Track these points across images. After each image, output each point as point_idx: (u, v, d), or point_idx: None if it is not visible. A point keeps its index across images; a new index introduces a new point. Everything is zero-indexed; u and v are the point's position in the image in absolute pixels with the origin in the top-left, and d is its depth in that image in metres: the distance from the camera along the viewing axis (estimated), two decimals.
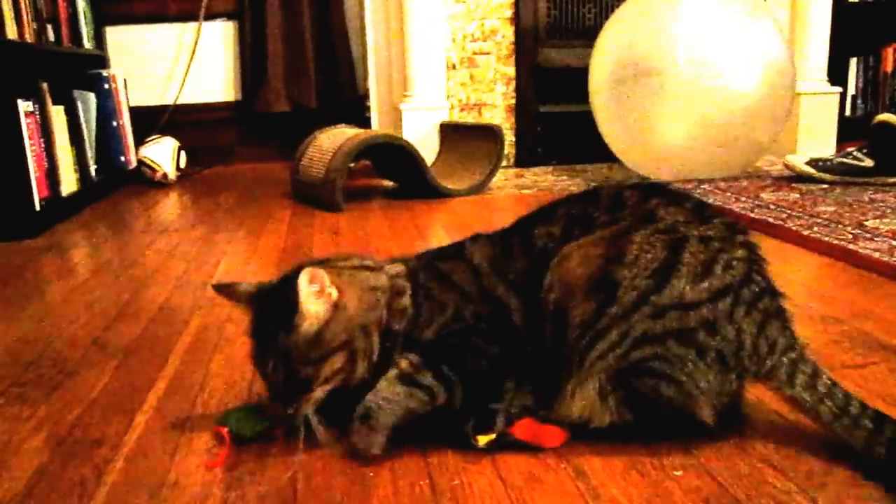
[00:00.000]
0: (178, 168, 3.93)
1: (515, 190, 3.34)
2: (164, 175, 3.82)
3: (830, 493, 0.99)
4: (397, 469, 1.11)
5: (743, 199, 2.90)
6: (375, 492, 1.06)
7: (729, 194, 3.00)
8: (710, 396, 1.06)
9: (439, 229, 2.65)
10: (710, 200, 2.88)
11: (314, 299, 1.10)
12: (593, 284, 1.06)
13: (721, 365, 1.05)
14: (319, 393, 1.13)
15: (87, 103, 3.55)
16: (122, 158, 3.81)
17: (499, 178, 3.56)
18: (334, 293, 1.11)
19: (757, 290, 1.07)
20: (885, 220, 2.43)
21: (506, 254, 1.16)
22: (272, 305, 1.13)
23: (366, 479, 1.09)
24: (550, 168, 3.95)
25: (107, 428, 1.27)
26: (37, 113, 2.87)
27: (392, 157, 3.15)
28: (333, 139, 3.08)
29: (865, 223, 2.40)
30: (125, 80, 4.06)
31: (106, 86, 3.75)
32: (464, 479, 1.07)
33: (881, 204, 2.69)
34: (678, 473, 1.05)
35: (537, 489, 1.03)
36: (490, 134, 3.31)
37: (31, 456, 1.18)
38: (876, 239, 2.20)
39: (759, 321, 1.07)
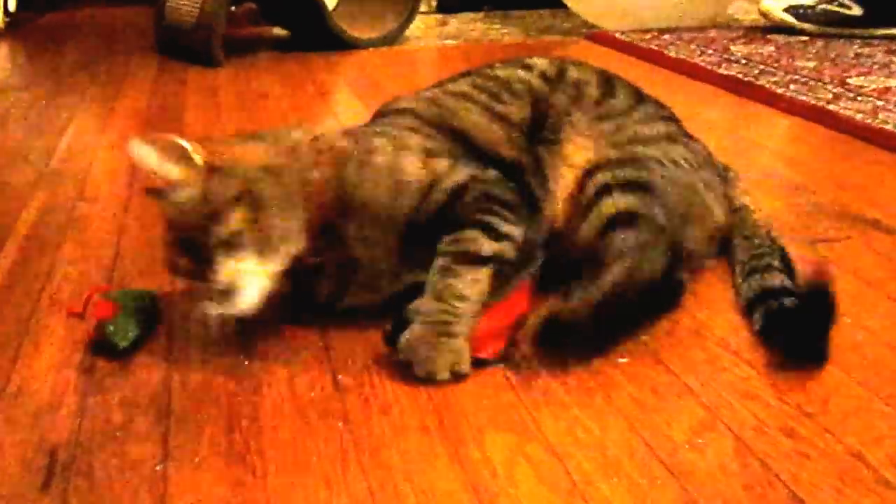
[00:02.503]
0: (5, 13, 3.77)
1: (437, 41, 3.31)
2: None
3: (791, 379, 1.07)
4: (294, 364, 1.14)
5: (710, 52, 2.93)
6: (269, 392, 1.08)
7: (693, 47, 3.03)
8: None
9: (344, 89, 2.61)
10: (672, 54, 2.90)
11: (172, 165, 1.13)
12: None
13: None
14: (230, 266, 1.09)
15: None
16: None
17: (417, 25, 3.51)
18: (198, 158, 1.13)
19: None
20: (870, 78, 2.50)
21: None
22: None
23: (255, 377, 1.11)
24: (481, 14, 3.91)
25: None
26: None
27: None
28: None
29: (849, 81, 2.47)
30: None
31: None
32: (374, 376, 1.10)
33: (868, 59, 2.76)
34: (623, 361, 1.11)
35: (459, 383, 1.07)
36: None
37: None
38: (859, 99, 2.27)
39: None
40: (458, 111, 1.32)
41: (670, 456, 0.93)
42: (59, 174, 1.90)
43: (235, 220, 1.10)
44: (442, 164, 1.21)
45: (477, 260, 1.14)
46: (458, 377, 1.08)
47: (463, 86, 1.38)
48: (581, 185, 1.25)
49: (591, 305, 1.11)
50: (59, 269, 1.43)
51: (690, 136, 1.41)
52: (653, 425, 0.98)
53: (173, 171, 1.13)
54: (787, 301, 1.16)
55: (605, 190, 1.23)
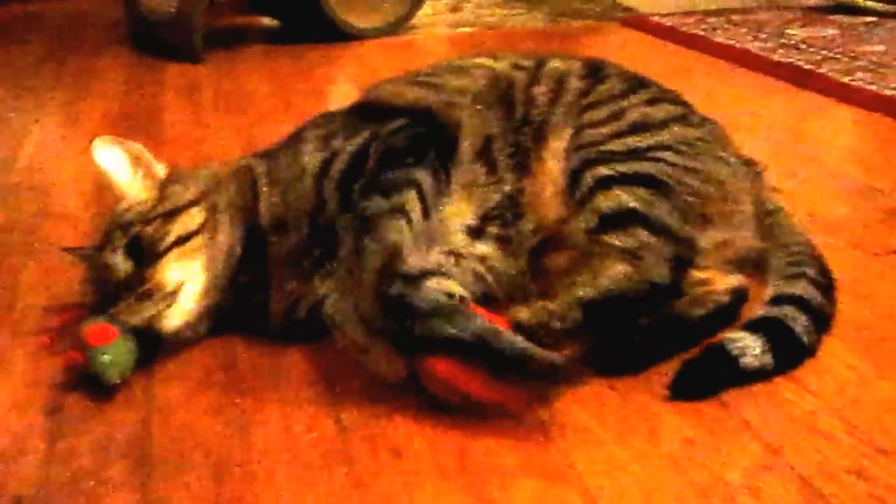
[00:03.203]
0: None
1: (449, 29, 3.32)
2: None
3: (863, 411, 1.07)
4: (290, 400, 1.14)
5: (763, 36, 2.93)
6: (261, 433, 1.08)
7: (744, 31, 3.02)
8: None
9: (343, 86, 2.63)
10: (720, 39, 2.90)
11: (136, 172, 1.33)
12: None
13: None
14: (177, 268, 1.22)
15: None
16: None
17: (425, 11, 3.50)
18: (160, 169, 1.35)
19: None
20: None
21: None
22: None
23: (246, 416, 1.11)
24: None
25: None
26: None
27: None
28: None
29: None
30: None
31: None
32: (382, 413, 1.10)
33: None
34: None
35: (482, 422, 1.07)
36: None
37: None
38: None
39: None
40: (381, 86, 1.45)
41: (726, 502, 0.93)
42: (18, 188, 1.91)
43: (194, 219, 1.25)
44: (339, 140, 1.30)
45: (376, 219, 1.16)
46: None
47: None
48: (575, 178, 1.27)
49: (579, 307, 1.15)
50: (20, 297, 1.44)
51: (705, 118, 1.41)
52: (705, 467, 0.98)
53: (136, 179, 1.32)
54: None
55: (603, 184, 1.24)
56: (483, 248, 1.28)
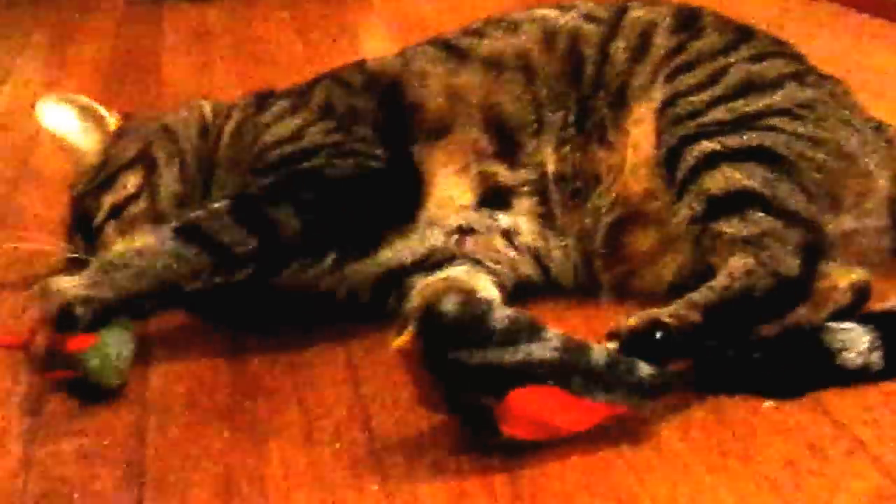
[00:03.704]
0: None
1: None
2: None
3: None
4: (311, 403, 1.12)
5: None
6: (277, 442, 1.06)
7: None
8: None
9: (378, 31, 2.62)
10: None
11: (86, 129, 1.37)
12: None
13: None
14: (114, 240, 1.27)
15: None
16: None
17: None
18: (112, 122, 1.38)
19: None
20: None
21: None
22: None
23: (259, 422, 1.09)
24: None
25: None
26: None
27: None
28: None
29: None
30: None
31: None
32: (421, 419, 1.09)
33: None
34: (769, 405, 1.08)
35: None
36: None
37: None
38: None
39: None
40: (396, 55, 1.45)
41: None
42: None
43: (128, 184, 1.29)
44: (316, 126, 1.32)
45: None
46: None
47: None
48: (674, 158, 1.24)
49: (699, 312, 1.10)
50: None
51: (824, 75, 1.36)
52: (811, 495, 0.94)
53: (87, 136, 1.36)
54: None
55: (709, 162, 1.20)
56: (507, 220, 1.29)
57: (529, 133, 1.30)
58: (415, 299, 1.24)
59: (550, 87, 1.32)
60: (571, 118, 1.31)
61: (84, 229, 1.29)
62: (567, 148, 1.30)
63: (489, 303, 1.05)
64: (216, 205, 1.21)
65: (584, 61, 1.34)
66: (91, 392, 1.14)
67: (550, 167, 1.30)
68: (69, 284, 1.13)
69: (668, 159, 1.24)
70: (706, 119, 1.24)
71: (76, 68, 2.37)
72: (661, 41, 1.34)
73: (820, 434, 1.03)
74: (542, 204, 1.30)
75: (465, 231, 1.28)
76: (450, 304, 1.00)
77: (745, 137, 1.21)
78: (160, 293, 1.16)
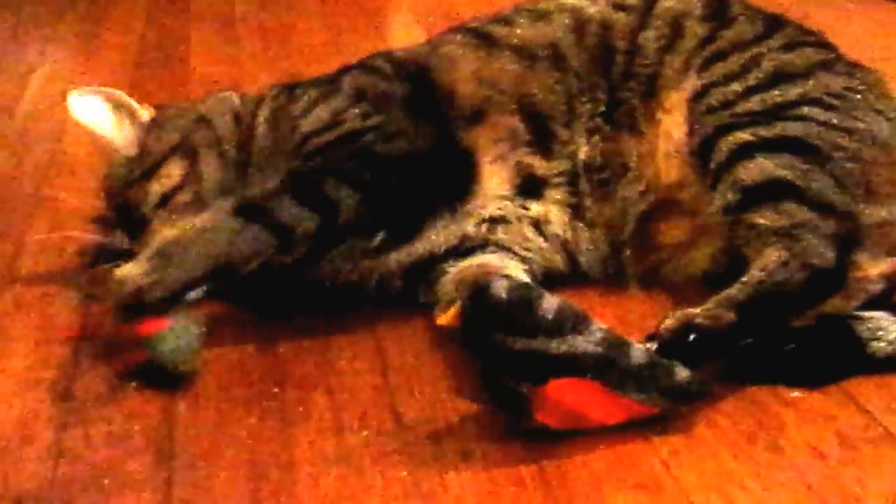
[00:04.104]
0: None
1: None
2: None
3: None
4: (340, 390, 1.13)
5: None
6: (306, 428, 1.06)
7: None
8: None
9: (406, 16, 2.61)
10: None
11: (119, 123, 1.35)
12: None
13: None
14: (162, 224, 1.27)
15: None
16: None
17: None
18: (144, 115, 1.36)
19: None
20: None
21: None
22: None
23: (288, 408, 1.09)
24: None
25: None
26: None
27: None
28: None
29: None
30: None
31: None
32: (449, 408, 1.09)
33: None
34: (797, 395, 1.08)
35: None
36: None
37: None
38: None
39: None
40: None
41: None
42: (24, 134, 1.91)
43: (172, 173, 1.29)
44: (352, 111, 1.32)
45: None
46: None
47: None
48: (707, 149, 1.23)
49: (734, 310, 1.09)
50: (24, 261, 1.44)
51: (856, 64, 1.35)
52: (839, 486, 0.94)
53: (120, 129, 1.35)
54: None
55: (743, 152, 1.20)
56: (538, 209, 1.30)
57: (562, 122, 1.31)
58: (449, 283, 1.25)
59: (581, 77, 1.33)
60: (602, 108, 1.31)
61: (126, 220, 1.30)
62: (597, 137, 1.30)
63: (539, 291, 1.04)
64: (271, 185, 1.21)
65: (614, 51, 1.34)
66: (162, 377, 1.14)
67: (581, 157, 1.30)
68: (135, 271, 1.12)
69: (702, 149, 1.23)
70: (739, 109, 1.24)
71: (105, 56, 2.37)
72: (693, 30, 1.34)
73: (848, 423, 1.03)
74: (573, 194, 1.30)
75: (496, 220, 1.29)
76: (501, 288, 1.00)
77: (778, 128, 1.20)
78: (222, 273, 1.15)
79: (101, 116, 1.35)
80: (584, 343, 0.98)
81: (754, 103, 1.24)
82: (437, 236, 1.27)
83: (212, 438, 1.05)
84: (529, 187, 1.29)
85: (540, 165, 1.29)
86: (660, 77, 1.30)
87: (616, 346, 0.99)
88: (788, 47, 1.31)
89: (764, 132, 1.20)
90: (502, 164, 1.29)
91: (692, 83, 1.29)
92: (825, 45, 1.36)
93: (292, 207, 1.17)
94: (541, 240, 1.30)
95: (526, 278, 1.25)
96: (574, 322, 0.99)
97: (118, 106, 1.36)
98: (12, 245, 1.49)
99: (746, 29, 1.34)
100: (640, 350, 1.01)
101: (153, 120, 1.36)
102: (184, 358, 1.13)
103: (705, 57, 1.31)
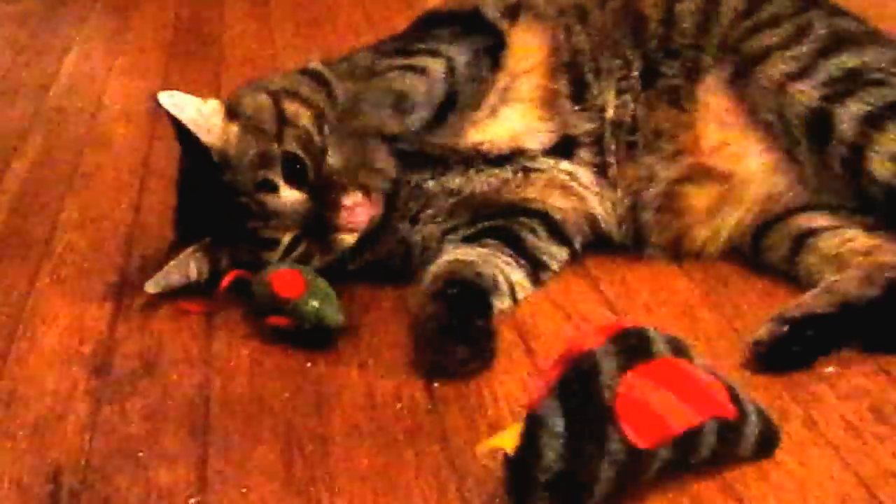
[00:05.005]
0: None
1: None
2: None
3: None
4: (372, 365, 1.13)
5: None
6: (339, 403, 1.06)
7: None
8: None
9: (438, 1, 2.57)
10: None
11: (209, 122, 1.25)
12: None
13: None
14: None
15: None
16: None
17: None
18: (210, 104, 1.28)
19: None
20: None
21: None
22: None
23: (321, 383, 1.10)
24: None
25: None
26: None
27: None
28: None
29: None
30: None
31: None
32: (482, 383, 1.08)
33: None
34: (831, 370, 1.07)
35: None
36: None
37: None
38: None
39: None
40: None
41: None
42: (59, 112, 1.91)
43: (299, 116, 1.24)
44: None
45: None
46: None
47: None
48: (815, 125, 1.21)
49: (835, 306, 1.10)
50: (60, 236, 1.44)
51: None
52: (876, 461, 0.93)
53: (209, 126, 1.24)
54: None
55: (874, 123, 1.17)
56: (569, 167, 1.30)
57: (591, 71, 1.31)
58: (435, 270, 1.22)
59: (603, 33, 1.33)
60: (634, 71, 1.31)
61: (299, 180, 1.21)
62: (628, 97, 1.30)
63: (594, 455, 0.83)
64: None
65: (645, 19, 1.34)
66: (313, 337, 1.15)
67: (609, 113, 1.30)
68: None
69: (808, 128, 1.21)
70: (823, 77, 1.22)
71: (139, 36, 2.38)
72: (731, 3, 1.34)
73: (884, 398, 1.02)
74: (598, 154, 1.30)
75: (531, 170, 1.29)
76: (552, 458, 0.81)
77: (884, 91, 1.19)
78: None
79: (189, 118, 1.24)
80: None
81: (832, 69, 1.22)
82: (475, 177, 1.30)
83: (246, 413, 1.06)
84: (563, 146, 1.30)
85: (576, 124, 1.30)
86: (702, 57, 1.30)
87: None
88: (833, 14, 1.31)
89: (871, 98, 1.18)
90: (545, 112, 1.31)
91: (730, 60, 1.29)
92: (858, 18, 1.35)
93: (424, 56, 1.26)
94: (571, 197, 1.31)
95: (528, 284, 1.27)
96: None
97: (198, 105, 1.26)
98: (49, 220, 1.49)
99: (784, 2, 1.33)
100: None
101: (228, 108, 1.28)
102: (330, 313, 1.14)
103: (743, 30, 1.30)
